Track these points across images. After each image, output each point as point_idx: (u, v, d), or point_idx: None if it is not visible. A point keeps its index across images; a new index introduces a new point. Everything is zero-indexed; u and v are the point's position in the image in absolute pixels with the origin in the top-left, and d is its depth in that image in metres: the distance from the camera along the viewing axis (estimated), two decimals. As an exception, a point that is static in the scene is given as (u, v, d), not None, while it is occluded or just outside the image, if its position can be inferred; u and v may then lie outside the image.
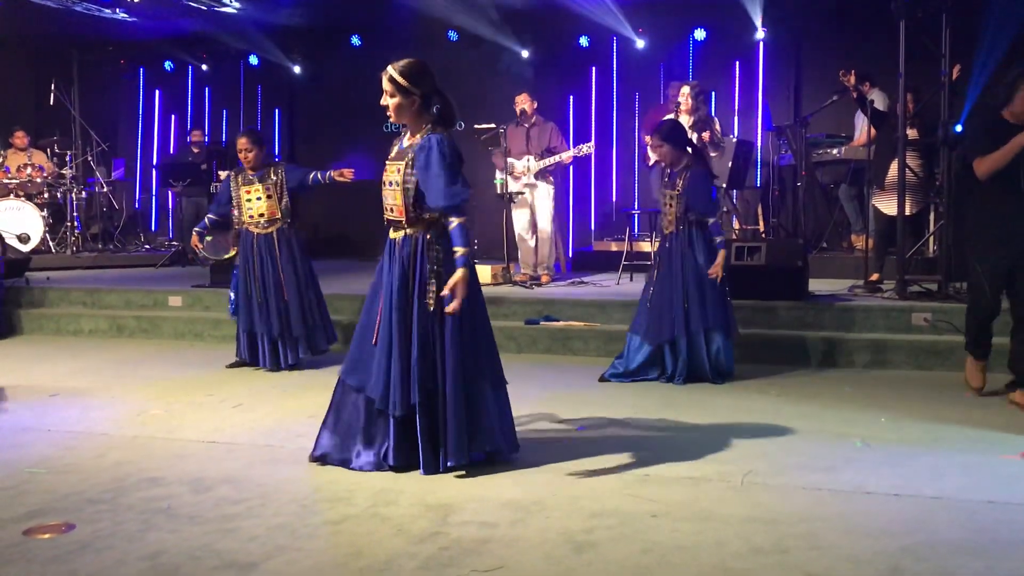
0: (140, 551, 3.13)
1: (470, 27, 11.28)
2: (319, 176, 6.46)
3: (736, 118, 10.90)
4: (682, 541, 3.20)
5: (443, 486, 3.82)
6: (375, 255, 12.62)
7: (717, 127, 8.68)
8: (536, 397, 5.50)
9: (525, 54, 11.71)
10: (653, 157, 5.93)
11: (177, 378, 6.25)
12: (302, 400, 5.52)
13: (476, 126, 8.56)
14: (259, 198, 6.39)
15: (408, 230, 3.98)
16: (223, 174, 8.81)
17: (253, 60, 12.83)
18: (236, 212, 6.47)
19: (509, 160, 8.48)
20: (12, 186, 10.86)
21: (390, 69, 3.98)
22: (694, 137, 8.25)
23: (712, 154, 8.23)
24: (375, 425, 4.01)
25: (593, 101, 11.72)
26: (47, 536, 3.27)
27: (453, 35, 11.49)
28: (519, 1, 10.86)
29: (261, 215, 6.40)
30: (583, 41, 11.52)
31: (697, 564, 3.01)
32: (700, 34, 11.09)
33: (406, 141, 4.07)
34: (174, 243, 11.72)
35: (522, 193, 8.59)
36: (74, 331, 8.27)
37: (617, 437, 4.58)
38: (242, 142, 6.43)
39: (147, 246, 12.07)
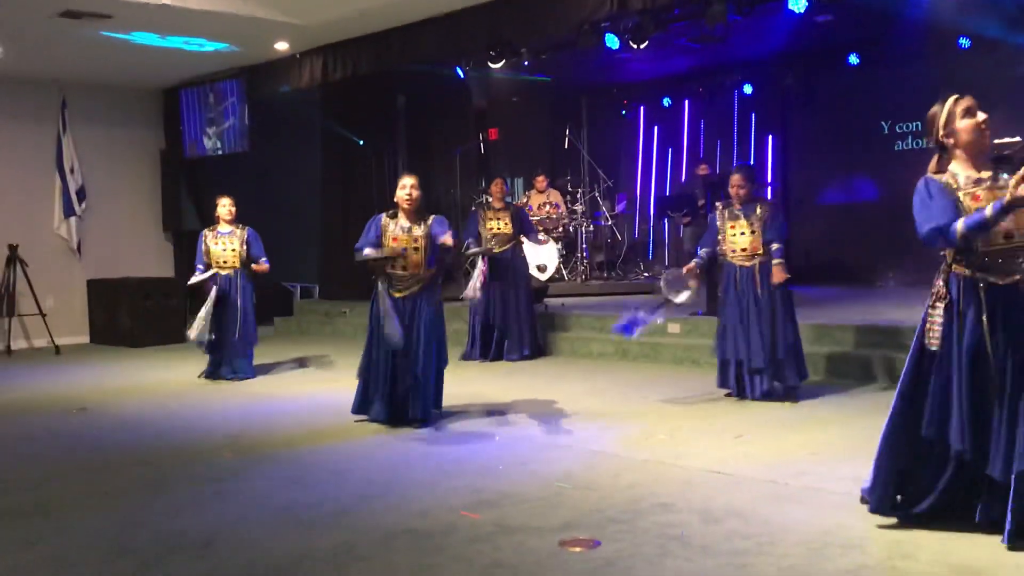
0: None
1: (984, 31, 10.24)
2: None
3: None
4: None
5: (970, 547, 3.49)
6: (873, 282, 11.79)
7: None
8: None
9: (1053, 54, 10.32)
10: None
11: (678, 403, 6.53)
12: (802, 435, 5.44)
13: (996, 141, 7.72)
14: (743, 233, 6.47)
15: None
16: (719, 205, 9.02)
17: (747, 89, 12.98)
18: (721, 245, 6.60)
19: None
20: (534, 222, 12.24)
21: None
22: None
23: None
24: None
25: None
26: (578, 550, 3.61)
27: (964, 42, 10.53)
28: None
29: (744, 249, 6.48)
30: None
31: None
32: None
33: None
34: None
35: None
36: (585, 353, 9.06)
37: None
38: (735, 178, 6.57)
39: (645, 274, 12.80)
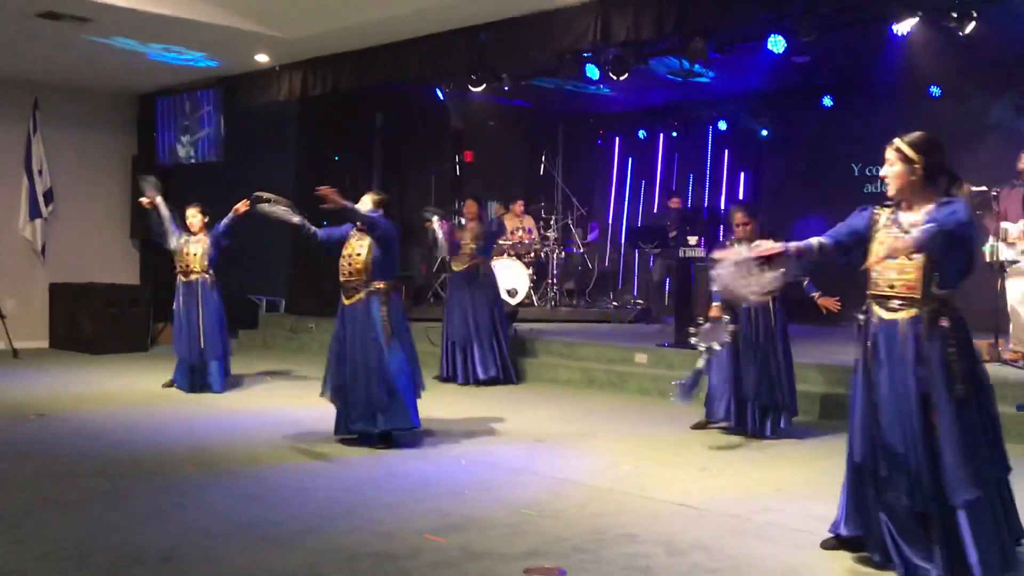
0: (624, 606, 3.32)
1: (955, 81, 10.48)
2: None
3: None
4: None
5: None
6: (839, 321, 11.89)
7: None
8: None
9: (1024, 106, 10.56)
10: None
11: (644, 434, 6.54)
12: (768, 471, 5.47)
13: (973, 188, 7.90)
14: None
15: (917, 310, 3.74)
16: (692, 239, 9.12)
17: (722, 125, 13.16)
18: None
19: (1003, 225, 7.68)
20: (506, 247, 12.27)
21: (896, 140, 3.78)
22: None
23: None
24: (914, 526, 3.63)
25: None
26: (543, 578, 3.61)
27: (935, 91, 10.76)
28: (1009, 48, 9.85)
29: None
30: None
31: None
32: None
33: (906, 216, 3.79)
34: (639, 301, 12.38)
35: (1017, 261, 7.72)
36: (551, 379, 9.06)
37: None
38: (738, 216, 6.52)
39: (614, 303, 12.87)
